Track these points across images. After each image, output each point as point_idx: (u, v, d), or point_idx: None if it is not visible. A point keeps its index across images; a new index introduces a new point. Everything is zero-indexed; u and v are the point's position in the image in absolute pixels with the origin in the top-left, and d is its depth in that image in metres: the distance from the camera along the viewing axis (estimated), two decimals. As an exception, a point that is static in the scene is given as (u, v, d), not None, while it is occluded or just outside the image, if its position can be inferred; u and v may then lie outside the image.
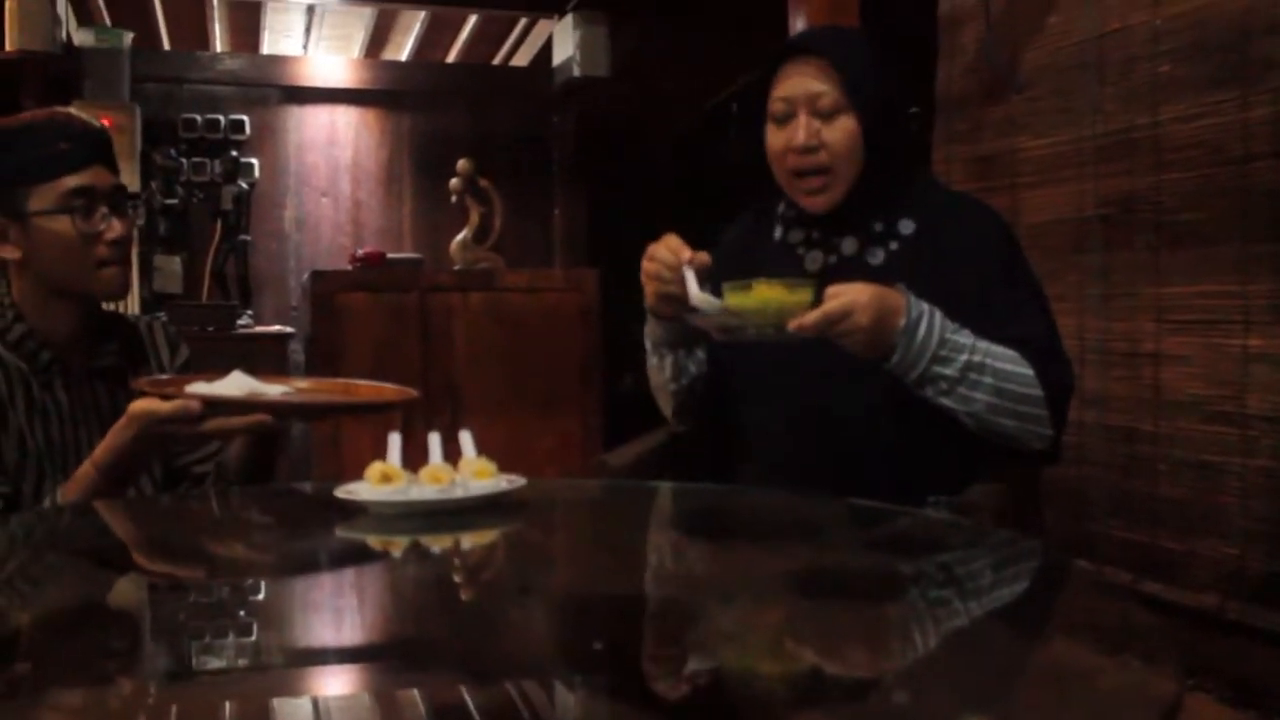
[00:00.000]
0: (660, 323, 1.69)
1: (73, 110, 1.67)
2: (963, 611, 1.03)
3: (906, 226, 1.65)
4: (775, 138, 1.65)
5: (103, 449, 1.50)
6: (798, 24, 2.70)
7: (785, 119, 1.64)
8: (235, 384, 1.53)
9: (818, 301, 1.47)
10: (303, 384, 1.69)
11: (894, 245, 1.64)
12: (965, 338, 1.50)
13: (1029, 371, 1.51)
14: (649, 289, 1.61)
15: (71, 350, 1.64)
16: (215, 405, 1.46)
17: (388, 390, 1.66)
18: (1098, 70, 2.48)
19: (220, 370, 1.58)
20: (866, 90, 1.61)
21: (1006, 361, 1.51)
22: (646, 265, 1.58)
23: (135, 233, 1.69)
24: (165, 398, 1.46)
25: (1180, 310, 2.32)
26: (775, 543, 1.21)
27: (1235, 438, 2.20)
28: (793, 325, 1.45)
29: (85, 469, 1.51)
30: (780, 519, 1.26)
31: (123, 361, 1.71)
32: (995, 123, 2.79)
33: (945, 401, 1.51)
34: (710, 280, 1.62)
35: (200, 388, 1.52)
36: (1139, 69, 2.38)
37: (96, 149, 1.62)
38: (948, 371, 1.48)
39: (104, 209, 1.60)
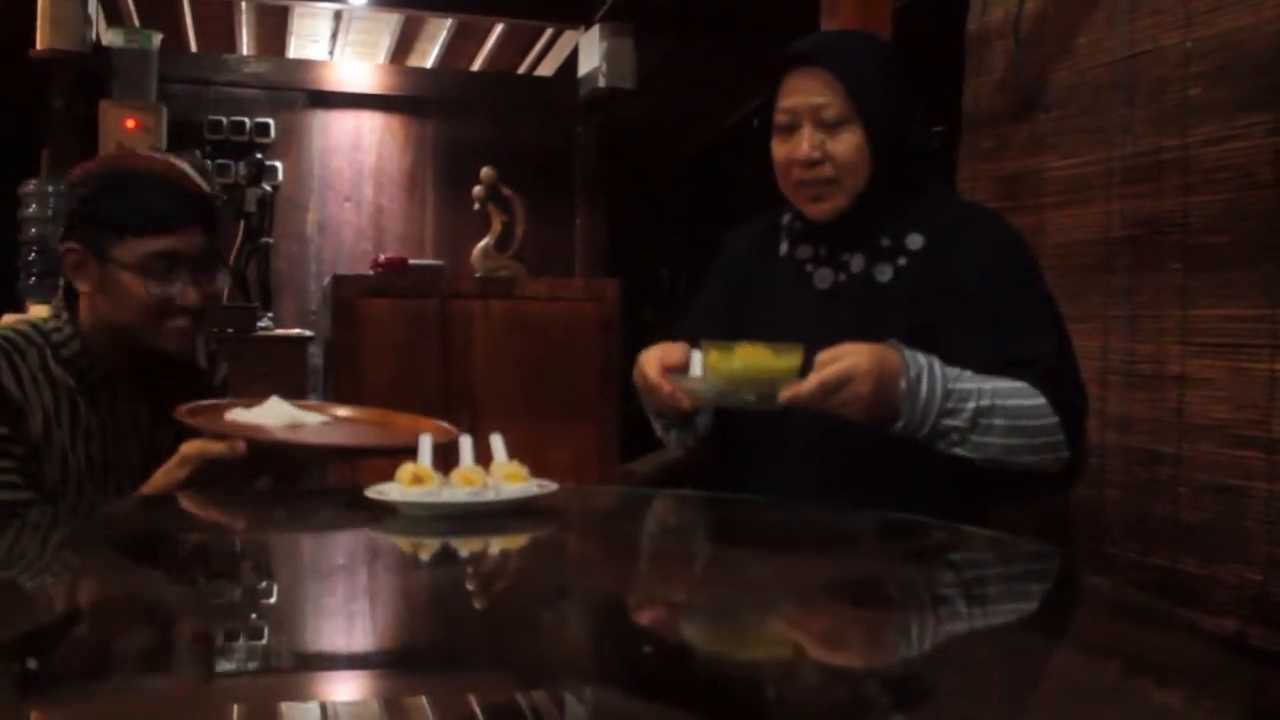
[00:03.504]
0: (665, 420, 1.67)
1: (188, 169, 1.64)
2: (999, 625, 1.03)
3: (915, 241, 1.60)
4: (779, 149, 1.62)
5: (150, 488, 1.51)
6: (828, 39, 2.70)
7: (790, 130, 1.60)
8: (274, 411, 1.55)
9: (808, 366, 1.39)
10: (341, 411, 1.69)
11: (902, 261, 1.59)
12: (969, 383, 1.44)
13: (1040, 400, 1.45)
14: (647, 401, 1.60)
15: (120, 373, 1.65)
16: (260, 446, 1.47)
17: (426, 425, 1.65)
18: (1127, 91, 2.48)
19: (244, 384, 1.60)
20: (872, 101, 1.56)
21: (1016, 396, 1.45)
22: (638, 380, 1.56)
23: (220, 294, 1.70)
24: (208, 430, 1.47)
25: (1206, 333, 2.31)
26: (809, 552, 1.21)
27: (1260, 462, 2.19)
28: (785, 396, 1.36)
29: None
30: (813, 529, 1.27)
31: (165, 381, 1.71)
32: (1022, 141, 2.79)
33: (959, 452, 1.45)
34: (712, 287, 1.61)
35: (239, 414, 1.54)
36: (1169, 90, 2.37)
37: (195, 213, 1.60)
38: (957, 423, 1.42)
39: (185, 274, 1.58)
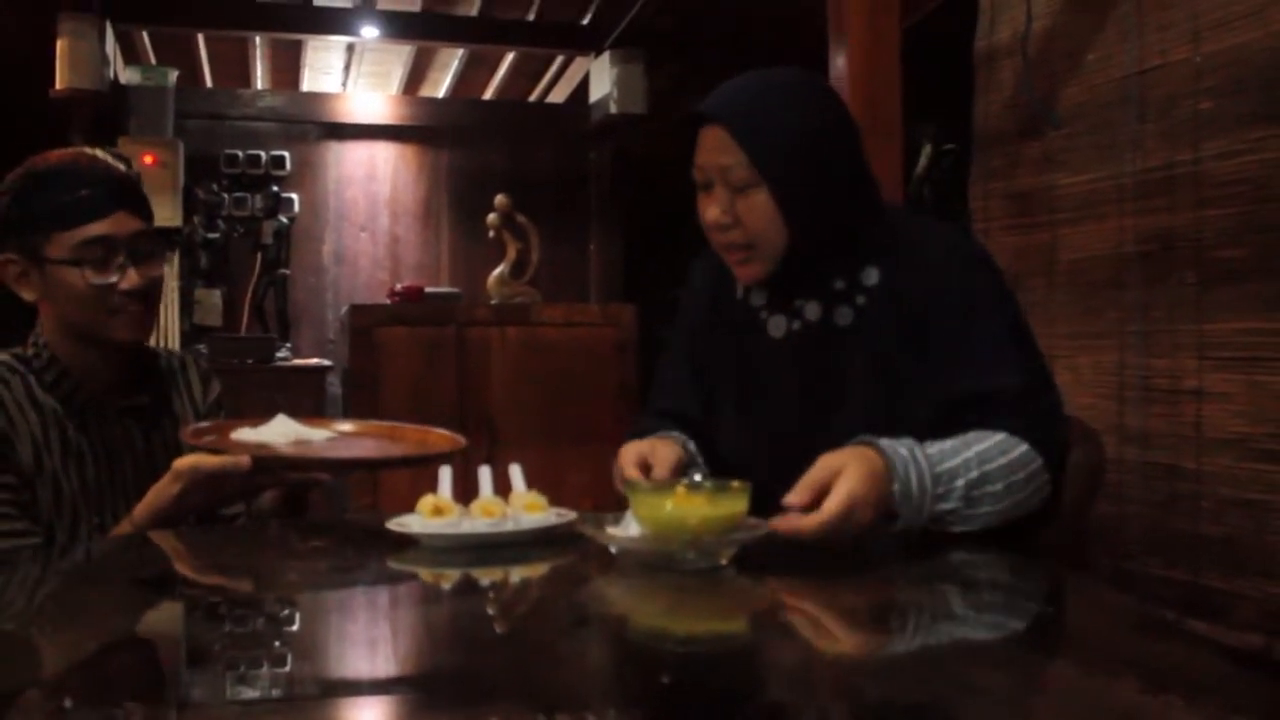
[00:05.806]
0: None
1: (98, 153, 1.62)
2: (1018, 644, 1.03)
3: (870, 276, 1.51)
4: (700, 206, 1.53)
5: (144, 507, 1.48)
6: (837, 61, 2.72)
7: (705, 187, 1.51)
8: (280, 429, 1.53)
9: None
10: (347, 426, 1.69)
11: (860, 300, 1.50)
12: (952, 459, 1.33)
13: (1024, 448, 1.36)
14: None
15: (105, 390, 1.63)
16: (264, 462, 1.45)
17: (434, 436, 1.66)
18: (1138, 106, 2.48)
19: (262, 415, 1.59)
20: (778, 161, 1.44)
21: (1000, 455, 1.35)
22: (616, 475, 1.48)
23: (164, 276, 1.65)
24: (212, 450, 1.45)
25: (1222, 347, 2.30)
26: (825, 575, 1.21)
27: (1280, 476, 2.18)
28: (782, 528, 1.21)
29: (124, 526, 1.50)
30: (829, 552, 1.27)
31: (155, 400, 1.70)
32: (1033, 159, 2.80)
33: (957, 529, 1.34)
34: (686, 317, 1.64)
35: (245, 434, 1.53)
36: (1180, 105, 2.38)
37: (120, 195, 1.58)
38: (950, 505, 1.33)
39: (121, 258, 1.56)
